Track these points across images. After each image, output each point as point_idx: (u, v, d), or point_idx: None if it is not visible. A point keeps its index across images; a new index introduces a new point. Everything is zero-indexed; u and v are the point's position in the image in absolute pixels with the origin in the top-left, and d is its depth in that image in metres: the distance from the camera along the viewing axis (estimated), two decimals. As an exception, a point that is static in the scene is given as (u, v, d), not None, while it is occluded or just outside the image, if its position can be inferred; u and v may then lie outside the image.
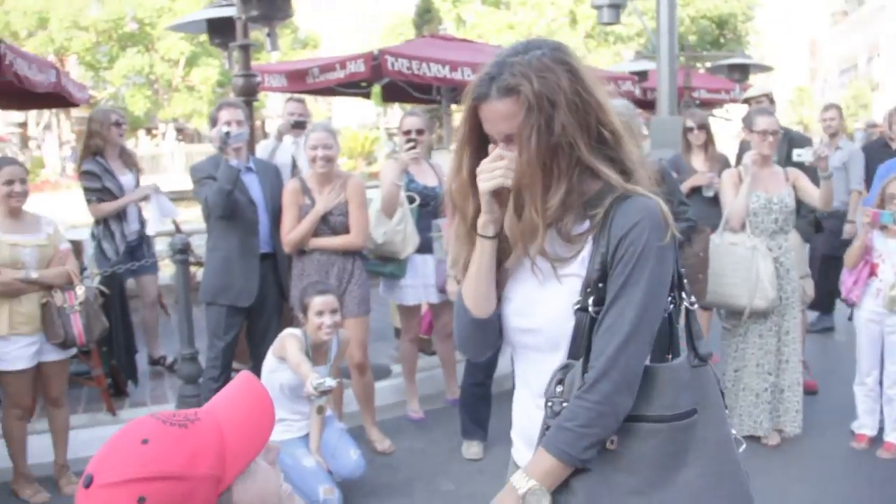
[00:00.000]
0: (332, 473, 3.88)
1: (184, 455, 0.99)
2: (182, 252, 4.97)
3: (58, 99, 6.56)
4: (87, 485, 0.98)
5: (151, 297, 5.87)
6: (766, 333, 4.52)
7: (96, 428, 4.70)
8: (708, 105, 12.66)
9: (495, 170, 1.50)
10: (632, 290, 1.47)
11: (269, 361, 3.91)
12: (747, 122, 4.72)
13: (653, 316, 1.50)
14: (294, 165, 5.60)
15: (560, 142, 1.47)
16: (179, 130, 33.30)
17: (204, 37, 7.73)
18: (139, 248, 5.53)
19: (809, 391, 5.38)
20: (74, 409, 4.55)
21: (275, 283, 4.62)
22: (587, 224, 1.52)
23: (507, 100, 1.48)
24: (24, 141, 30.00)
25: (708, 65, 12.98)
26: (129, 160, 5.58)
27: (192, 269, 6.10)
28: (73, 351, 4.23)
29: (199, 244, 5.75)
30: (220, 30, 6.13)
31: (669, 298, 1.58)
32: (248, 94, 5.27)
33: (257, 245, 4.48)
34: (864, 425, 4.59)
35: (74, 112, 30.41)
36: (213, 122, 4.49)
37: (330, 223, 4.39)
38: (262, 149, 5.74)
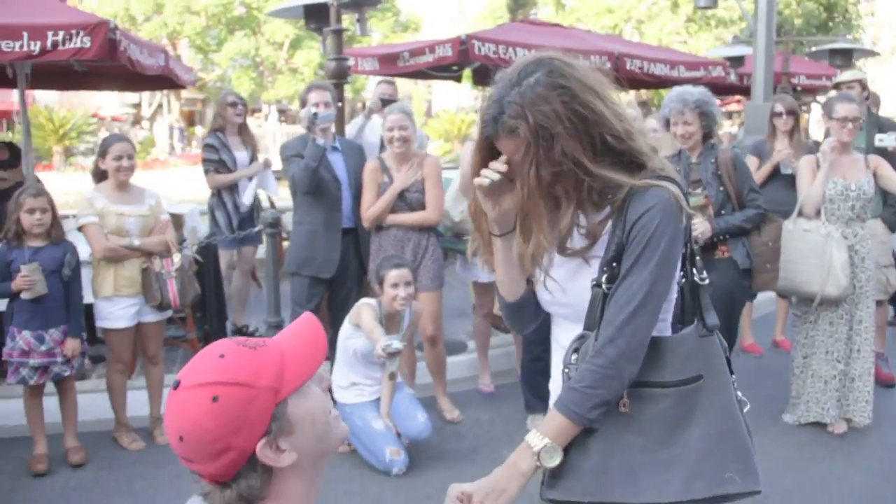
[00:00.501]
0: (400, 437, 4.12)
1: (250, 369, 1.20)
2: (273, 226, 5.30)
3: (166, 81, 7.00)
4: (176, 387, 1.21)
5: (249, 266, 6.25)
6: (836, 321, 4.49)
7: (189, 387, 5.09)
8: (808, 91, 12.28)
9: (491, 173, 1.66)
10: (642, 268, 1.60)
11: (346, 328, 4.17)
12: (827, 109, 4.68)
13: (659, 292, 1.63)
14: (383, 145, 5.83)
15: (563, 168, 1.58)
16: (282, 112, 34.31)
17: (306, 20, 8.03)
18: (249, 220, 5.91)
19: (886, 383, 5.30)
20: (170, 368, 4.91)
21: (356, 257, 4.87)
22: (607, 210, 1.66)
23: (510, 140, 1.61)
24: (137, 120, 31.58)
25: (811, 50, 12.52)
26: (247, 139, 6.00)
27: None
28: (170, 313, 4.58)
29: (290, 220, 6.09)
30: (315, 15, 6.41)
31: (682, 274, 1.71)
32: (340, 76, 5.53)
33: (340, 220, 4.74)
34: None
35: (184, 94, 31.79)
36: (303, 103, 4.77)
37: (407, 200, 4.61)
38: (351, 126, 6.01)
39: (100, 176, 4.35)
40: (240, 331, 6.19)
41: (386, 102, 5.86)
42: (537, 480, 1.70)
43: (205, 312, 5.48)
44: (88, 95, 27.44)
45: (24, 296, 3.96)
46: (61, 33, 4.72)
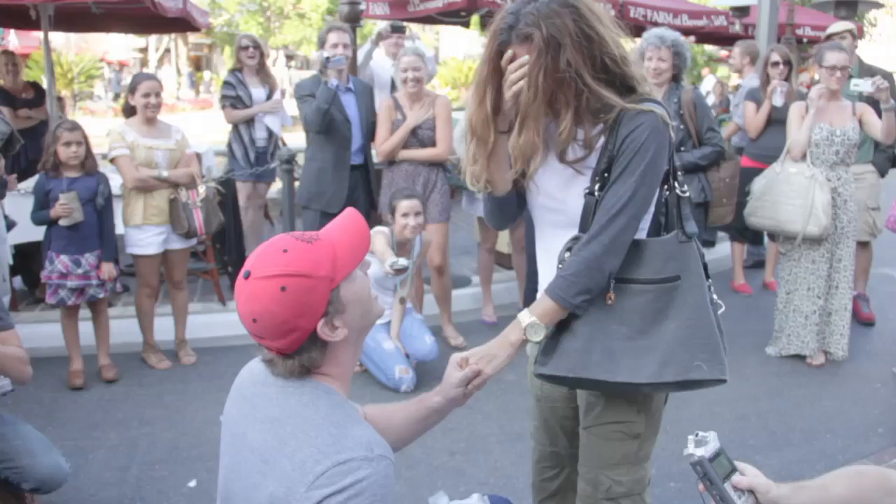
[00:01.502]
0: (409, 357, 4.46)
1: (310, 261, 1.44)
2: (288, 163, 5.58)
3: (183, 24, 7.20)
4: (247, 277, 1.45)
5: (262, 201, 6.54)
6: (818, 259, 4.78)
7: (209, 315, 5.44)
8: (813, 43, 12.35)
9: (518, 79, 1.85)
10: (628, 176, 1.83)
11: (359, 256, 4.48)
12: (817, 58, 4.89)
13: (642, 198, 1.85)
14: (393, 86, 6.06)
15: (566, 76, 1.78)
16: (289, 57, 34.23)
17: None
18: (264, 155, 6.20)
19: (866, 322, 5.63)
20: (191, 298, 5.24)
21: (365, 192, 5.15)
22: (600, 126, 1.90)
23: (524, 45, 1.80)
24: (144, 65, 31.53)
25: (815, 1, 12.54)
26: (265, 78, 6.26)
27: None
28: (195, 241, 4.89)
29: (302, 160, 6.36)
30: (329, -41, 6.60)
31: (666, 187, 1.97)
32: (352, 20, 5.74)
33: (349, 158, 4.99)
34: None
35: (192, 38, 31.70)
36: (322, 43, 4.99)
37: (418, 136, 4.88)
38: (360, 53, 6.26)
39: (129, 111, 4.63)
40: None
41: (395, 28, 6.05)
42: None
43: (224, 244, 5.80)
44: (95, 40, 27.45)
45: (62, 223, 4.27)
46: (88, -26, 4.95)
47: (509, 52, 1.83)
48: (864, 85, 4.60)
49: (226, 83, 6.20)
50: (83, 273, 4.34)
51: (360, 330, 1.59)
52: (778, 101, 5.84)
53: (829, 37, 5.85)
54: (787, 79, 5.90)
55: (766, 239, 6.57)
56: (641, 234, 1.97)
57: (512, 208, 2.10)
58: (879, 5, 13.33)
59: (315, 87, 4.83)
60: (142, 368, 4.77)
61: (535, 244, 2.18)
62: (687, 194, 2.01)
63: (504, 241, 6.06)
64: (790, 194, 4.70)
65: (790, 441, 3.93)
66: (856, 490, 1.58)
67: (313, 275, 1.45)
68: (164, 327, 4.94)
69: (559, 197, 1.99)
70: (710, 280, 1.98)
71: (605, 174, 1.88)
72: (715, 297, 1.98)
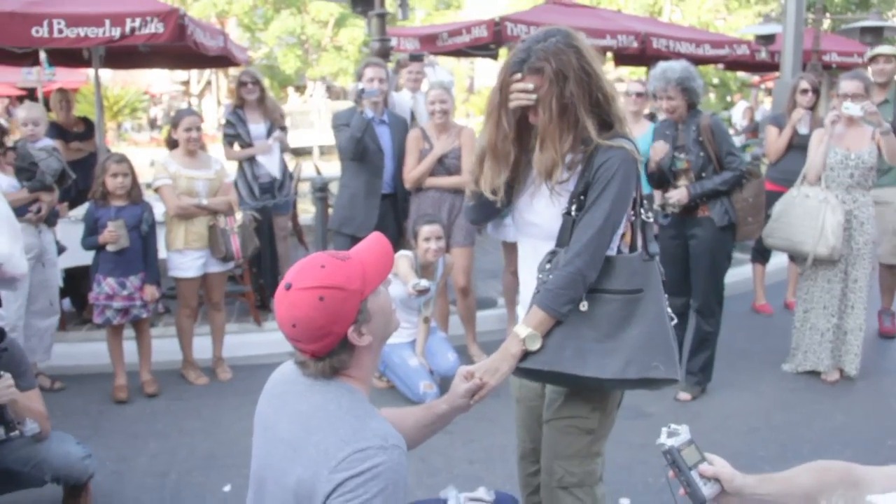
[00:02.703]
0: (433, 373, 4.68)
1: (344, 275, 1.68)
2: (321, 190, 5.87)
3: (223, 60, 7.60)
4: (288, 288, 1.67)
5: (283, 233, 6.62)
6: (832, 279, 4.92)
7: (245, 335, 5.72)
8: (841, 69, 12.43)
9: (521, 96, 2.12)
10: (602, 201, 2.12)
11: (385, 277, 4.73)
12: (837, 86, 5.04)
13: (615, 220, 2.15)
14: (412, 118, 6.33)
15: (568, 104, 2.08)
16: (327, 88, 34.89)
17: None
18: (270, 190, 6.22)
19: (886, 335, 5.74)
20: (228, 319, 5.53)
21: (394, 219, 5.40)
22: (580, 155, 2.17)
23: (534, 76, 2.09)
24: (187, 97, 32.37)
25: (843, 27, 12.64)
26: (267, 113, 6.24)
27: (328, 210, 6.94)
28: (232, 264, 5.18)
29: (335, 188, 6.58)
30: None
31: (633, 213, 2.23)
32: (383, 56, 6.06)
33: (381, 186, 5.26)
34: None
35: (232, 71, 32.48)
36: (359, 77, 5.27)
37: (445, 164, 5.13)
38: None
39: (172, 144, 4.97)
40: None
41: (414, 58, 6.29)
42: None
43: (259, 268, 6.09)
44: (140, 73, 28.27)
45: (109, 248, 4.58)
46: (138, 20, 5.34)
47: (517, 75, 2.11)
48: (853, 108, 4.69)
49: (227, 122, 6.26)
50: (128, 295, 4.65)
51: (382, 338, 1.84)
52: (803, 128, 5.91)
53: (872, 58, 5.84)
54: (814, 106, 5.97)
55: (787, 260, 6.67)
56: (611, 252, 2.22)
57: (494, 207, 2.34)
58: (906, 31, 13.37)
59: (351, 117, 5.09)
60: (181, 384, 5.06)
61: None
62: (651, 220, 2.28)
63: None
64: (803, 216, 4.84)
65: (800, 453, 4.05)
66: (819, 483, 1.68)
67: (346, 287, 1.69)
68: (202, 346, 5.23)
69: (541, 213, 2.25)
70: (666, 295, 2.25)
71: (581, 197, 2.16)
72: (669, 310, 2.25)
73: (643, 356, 2.14)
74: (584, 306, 2.16)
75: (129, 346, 4.93)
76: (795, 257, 5.79)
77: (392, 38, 6.31)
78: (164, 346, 5.20)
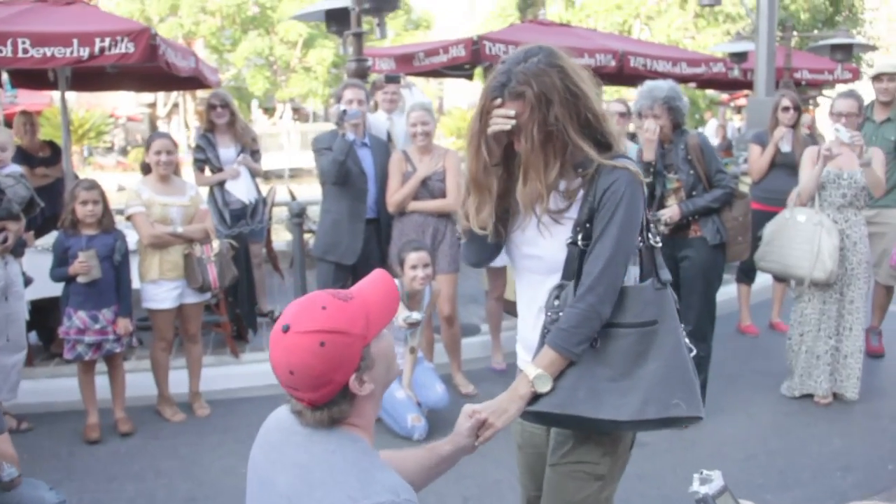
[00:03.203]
0: (420, 406, 4.52)
1: (347, 319, 1.54)
2: (298, 216, 5.71)
3: (194, 82, 7.41)
4: (286, 331, 1.52)
5: (257, 260, 6.49)
6: (828, 300, 4.85)
7: (222, 368, 5.51)
8: (812, 86, 12.56)
9: (500, 121, 1.97)
10: (611, 228, 1.97)
11: (370, 307, 4.56)
12: (831, 104, 5.01)
13: (626, 247, 2.00)
14: (388, 139, 6.18)
15: (554, 129, 1.93)
16: (296, 110, 34.71)
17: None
18: (241, 216, 6.02)
19: (874, 355, 5.70)
20: (203, 351, 5.29)
21: (377, 244, 5.24)
22: (579, 180, 2.03)
23: (516, 101, 1.94)
24: (153, 121, 32.01)
25: (815, 44, 12.78)
26: (238, 136, 6.06)
27: (306, 235, 6.77)
28: (208, 295, 4.99)
29: (312, 213, 6.43)
30: (336, 18, 6.78)
31: (640, 239, 2.08)
32: (360, 76, 5.92)
33: (364, 210, 5.10)
34: None
35: (199, 93, 32.19)
36: (338, 98, 5.12)
37: (429, 188, 5.00)
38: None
39: (146, 169, 4.77)
40: (265, 316, 6.58)
41: (390, 79, 6.16)
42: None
43: (236, 298, 5.89)
44: (105, 96, 27.88)
45: (80, 279, 4.37)
46: (108, 39, 5.15)
47: (497, 100, 1.97)
48: (843, 133, 4.66)
49: (196, 146, 6.12)
50: (100, 329, 4.44)
51: (384, 384, 1.69)
52: (785, 146, 5.92)
53: (877, 77, 5.75)
54: (796, 124, 5.97)
55: (770, 279, 6.63)
56: (627, 281, 2.07)
57: (489, 248, 2.20)
58: (874, 48, 13.57)
59: (332, 140, 4.94)
60: (157, 421, 4.83)
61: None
62: (659, 244, 2.13)
63: (511, 288, 6.13)
64: (797, 239, 4.78)
65: (800, 480, 3.96)
66: None
67: (349, 332, 1.54)
68: (178, 380, 5.01)
69: (541, 245, 2.09)
70: (683, 324, 2.10)
71: (587, 224, 2.01)
72: (687, 340, 2.09)
73: (662, 393, 1.99)
74: (595, 343, 2.02)
75: (101, 381, 4.69)
76: (787, 280, 5.77)
77: (369, 58, 6.16)
78: (138, 380, 4.96)
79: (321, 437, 1.60)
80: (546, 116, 1.93)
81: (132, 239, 4.79)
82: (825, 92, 13.85)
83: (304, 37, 27.27)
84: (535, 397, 2.02)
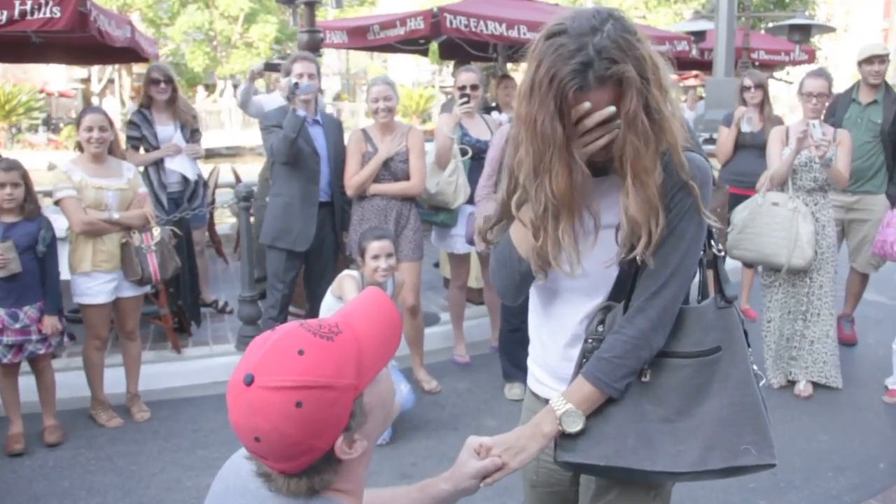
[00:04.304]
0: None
1: (333, 365, 1.14)
2: (246, 200, 5.26)
3: (130, 54, 6.84)
4: (249, 383, 1.12)
5: (199, 247, 6.05)
6: (798, 283, 4.70)
7: (162, 364, 5.06)
8: (767, 67, 12.47)
9: (601, 133, 1.49)
10: (677, 240, 1.58)
11: (328, 300, 4.18)
12: (799, 85, 4.78)
13: (691, 263, 1.62)
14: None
15: (656, 117, 1.48)
16: (236, 87, 33.79)
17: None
18: (180, 200, 5.59)
19: (847, 343, 5.53)
20: (142, 346, 4.83)
21: (332, 230, 4.87)
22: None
23: (609, 88, 1.44)
24: (87, 97, 30.76)
25: (769, 25, 12.69)
26: (178, 114, 5.62)
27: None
28: (148, 287, 4.53)
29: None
30: (286, -12, 6.34)
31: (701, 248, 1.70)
32: (313, 49, 5.49)
33: (317, 193, 4.72)
34: None
35: (136, 68, 31.03)
36: (286, 73, 4.70)
37: (391, 169, 4.62)
38: (240, 92, 5.94)
39: (81, 147, 4.27)
40: (209, 306, 6.14)
41: (269, 67, 5.76)
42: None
43: (178, 288, 5.43)
44: (35, 70, 26.64)
45: (-3, 273, 3.88)
46: (29, 2, 4.59)
47: (587, 105, 1.46)
48: (816, 131, 4.44)
49: (130, 123, 5.61)
50: (21, 328, 3.95)
51: (378, 435, 1.31)
52: (746, 126, 5.78)
53: (869, 59, 5.46)
54: (762, 103, 5.84)
55: (739, 266, 6.42)
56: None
57: (531, 279, 1.77)
58: (831, 30, 13.56)
59: (282, 117, 4.55)
60: (90, 427, 4.36)
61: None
62: (723, 253, 1.76)
63: (475, 276, 5.81)
64: (773, 226, 4.58)
65: (793, 483, 3.74)
66: None
67: (336, 385, 1.14)
68: (113, 379, 4.54)
69: (586, 259, 1.64)
70: (751, 349, 1.73)
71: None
72: (755, 367, 1.73)
73: (728, 437, 1.63)
74: (645, 376, 1.65)
75: (26, 382, 4.19)
76: (756, 266, 5.61)
77: (322, 30, 5.72)
78: (69, 380, 4.48)
79: None
80: (648, 100, 1.46)
81: (61, 226, 4.30)
82: (776, 74, 13.82)
83: (246, 11, 26.44)
84: (572, 440, 1.66)
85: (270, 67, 5.74)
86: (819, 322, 4.70)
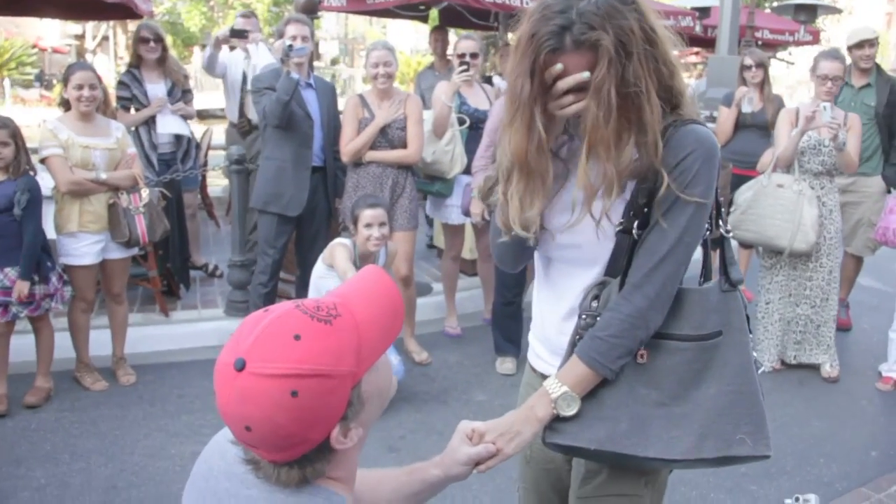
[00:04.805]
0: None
1: (331, 352, 1.07)
2: (238, 163, 5.16)
3: (124, 10, 6.68)
4: (240, 368, 1.05)
5: (191, 210, 5.96)
6: (799, 266, 4.64)
7: (149, 327, 4.99)
8: (770, 46, 12.32)
9: (572, 98, 1.48)
10: (677, 215, 1.51)
11: (319, 268, 4.10)
12: (812, 66, 4.70)
13: (692, 241, 1.55)
14: (245, 80, 5.66)
15: (632, 91, 1.43)
16: (233, 48, 33.40)
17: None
18: (172, 161, 5.48)
19: (842, 328, 5.49)
20: (129, 308, 4.76)
21: (324, 195, 4.80)
22: (635, 153, 1.51)
23: (584, 53, 1.43)
24: (81, 53, 30.34)
25: (775, 4, 12.52)
26: (168, 72, 5.48)
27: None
28: (136, 250, 4.44)
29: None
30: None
31: (706, 225, 1.61)
32: (310, 11, 5.36)
33: (310, 157, 4.64)
34: (893, 370, 4.67)
35: (131, 26, 30.60)
36: (279, 35, 4.63)
37: (388, 136, 4.53)
38: (206, 57, 5.87)
39: (67, 105, 4.15)
40: (199, 269, 6.06)
41: (235, 34, 5.67)
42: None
43: (167, 250, 5.34)
44: (28, 25, 26.22)
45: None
46: (19, -49, 4.45)
47: (559, 66, 1.44)
48: (826, 112, 4.39)
49: (119, 82, 5.47)
50: (2, 289, 3.85)
51: (373, 422, 1.23)
52: (747, 106, 5.72)
53: (859, 44, 5.44)
54: (763, 82, 5.77)
55: (735, 245, 6.39)
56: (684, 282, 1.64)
57: (532, 248, 1.73)
58: (837, 11, 13.40)
59: (274, 79, 4.45)
60: (75, 390, 4.30)
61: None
62: (731, 234, 1.70)
63: (469, 247, 5.73)
64: (777, 208, 4.52)
65: (784, 468, 3.70)
66: None
67: (334, 373, 1.07)
68: (99, 342, 4.47)
69: (581, 230, 1.60)
70: (752, 335, 1.67)
71: (645, 209, 1.54)
72: (755, 354, 1.67)
73: (724, 426, 1.58)
74: (641, 357, 1.58)
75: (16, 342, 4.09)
76: (753, 247, 5.57)
77: (320, -9, 5.60)
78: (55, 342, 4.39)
79: (286, 495, 1.15)
80: (626, 73, 1.42)
81: (47, 184, 4.19)
82: (778, 55, 13.67)
83: (244, -29, 26.01)
84: (562, 422, 1.59)
85: (236, 34, 5.62)
86: (827, 307, 4.67)
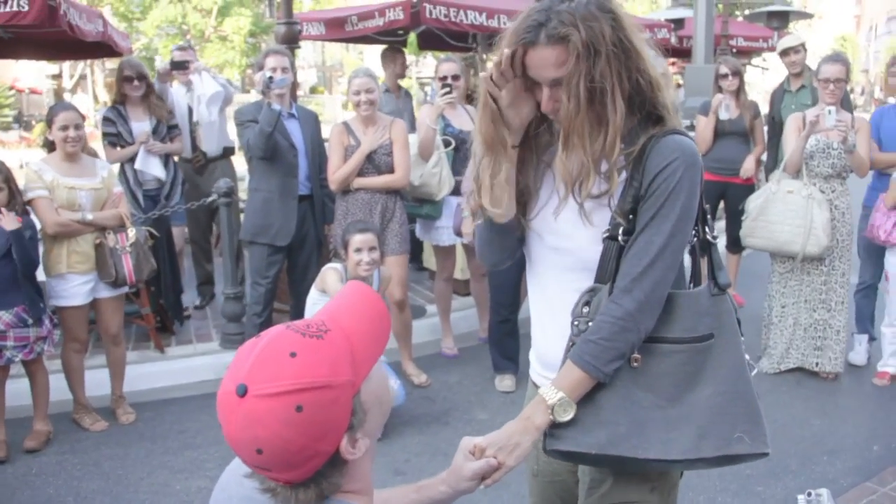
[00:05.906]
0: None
1: (327, 363, 1.10)
2: (227, 195, 5.17)
3: (103, 48, 6.70)
4: (243, 394, 1.07)
5: (179, 247, 5.95)
6: (813, 271, 4.66)
7: (146, 364, 4.98)
8: (745, 54, 12.49)
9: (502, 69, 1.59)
10: (662, 221, 1.57)
11: (312, 294, 4.11)
12: (815, 70, 4.79)
13: (678, 246, 1.60)
14: (191, 113, 5.71)
15: (598, 87, 1.53)
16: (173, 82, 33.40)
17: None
18: (157, 198, 5.45)
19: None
20: (125, 346, 4.71)
21: (313, 224, 4.81)
22: (622, 160, 1.60)
23: (556, 47, 1.53)
24: (59, 93, 30.30)
25: (747, 12, 12.69)
26: (153, 109, 5.46)
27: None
28: (126, 288, 4.42)
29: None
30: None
31: (693, 232, 1.67)
32: (290, 41, 5.38)
33: (296, 187, 4.66)
34: (888, 364, 4.71)
35: (108, 64, 30.60)
36: (259, 67, 4.64)
37: (375, 162, 4.55)
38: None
39: (51, 146, 4.15)
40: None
41: (176, 66, 5.71)
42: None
43: (159, 286, 5.33)
44: (3, 66, 26.21)
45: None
46: (-4, -4, 4.46)
47: (505, 51, 1.58)
48: (830, 116, 4.46)
49: (104, 119, 5.44)
50: (-1, 333, 3.83)
51: (379, 430, 1.26)
52: (724, 113, 5.81)
53: (784, 52, 5.93)
54: (738, 90, 5.88)
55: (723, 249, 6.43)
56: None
57: (514, 238, 1.80)
58: (809, 16, 13.61)
59: (257, 112, 4.48)
60: (74, 432, 4.26)
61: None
62: (717, 239, 1.74)
63: (461, 268, 5.75)
64: (787, 214, 4.56)
65: (788, 468, 3.73)
66: None
67: (334, 383, 1.09)
68: (95, 381, 4.45)
69: (570, 235, 1.68)
70: (743, 337, 1.71)
71: (630, 216, 1.59)
72: (748, 356, 1.71)
73: (721, 426, 1.61)
74: (636, 362, 1.61)
75: (12, 388, 4.06)
76: (743, 250, 5.63)
77: (300, 21, 5.62)
78: (51, 384, 4.33)
79: None
80: (593, 71, 1.52)
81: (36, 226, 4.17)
82: (753, 61, 13.84)
83: (220, 4, 26.11)
84: (562, 428, 1.61)
85: (176, 66, 5.68)
86: (844, 311, 4.69)
